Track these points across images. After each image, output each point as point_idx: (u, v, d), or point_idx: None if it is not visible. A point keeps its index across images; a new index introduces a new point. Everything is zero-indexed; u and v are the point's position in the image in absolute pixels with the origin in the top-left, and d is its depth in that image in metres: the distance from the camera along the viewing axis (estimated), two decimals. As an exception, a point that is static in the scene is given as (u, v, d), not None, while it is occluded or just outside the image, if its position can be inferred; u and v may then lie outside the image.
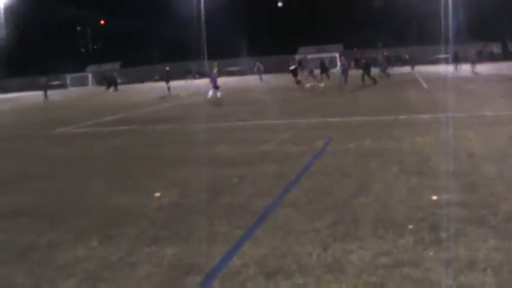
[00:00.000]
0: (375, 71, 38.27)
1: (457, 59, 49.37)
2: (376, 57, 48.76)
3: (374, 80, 32.71)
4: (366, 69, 34.13)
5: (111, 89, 59.97)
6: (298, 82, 37.27)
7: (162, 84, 43.57)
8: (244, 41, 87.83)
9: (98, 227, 6.70)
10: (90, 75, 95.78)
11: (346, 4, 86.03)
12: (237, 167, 9.71)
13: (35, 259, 5.71)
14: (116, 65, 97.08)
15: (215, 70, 29.61)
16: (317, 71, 40.40)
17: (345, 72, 35.47)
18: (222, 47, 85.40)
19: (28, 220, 7.33)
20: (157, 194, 8.00)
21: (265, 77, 53.53)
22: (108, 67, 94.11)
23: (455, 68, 47.21)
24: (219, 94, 27.83)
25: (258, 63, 56.00)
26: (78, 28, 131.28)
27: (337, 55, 78.67)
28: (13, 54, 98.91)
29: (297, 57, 73.16)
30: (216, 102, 25.78)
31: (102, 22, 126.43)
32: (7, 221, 7.39)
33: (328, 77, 39.18)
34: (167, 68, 45.45)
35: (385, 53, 51.80)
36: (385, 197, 7.00)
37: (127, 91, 54.30)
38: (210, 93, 28.32)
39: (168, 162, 11.09)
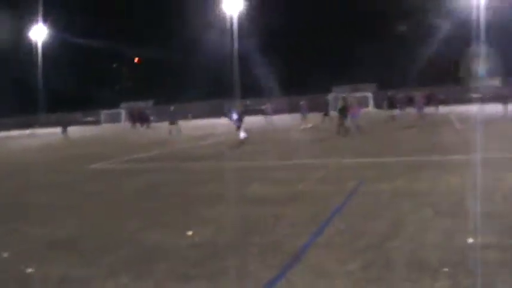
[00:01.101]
0: (412, 110, 38.01)
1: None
2: (412, 97, 47.86)
3: (345, 130, 27.43)
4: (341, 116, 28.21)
5: (144, 126, 60.57)
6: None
7: (194, 122, 43.40)
8: (278, 80, 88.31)
9: (130, 263, 6.76)
10: (123, 112, 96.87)
11: (382, 44, 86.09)
12: (270, 206, 9.70)
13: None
14: (149, 103, 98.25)
15: (237, 109, 29.11)
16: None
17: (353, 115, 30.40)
18: (257, 86, 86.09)
19: (62, 253, 7.44)
20: (190, 232, 8.03)
21: (287, 117, 53.01)
22: (141, 104, 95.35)
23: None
24: (242, 135, 26.87)
25: (267, 105, 54.08)
26: (114, 65, 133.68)
27: (370, 95, 78.95)
28: (50, 89, 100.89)
29: (330, 96, 73.27)
30: (243, 142, 25.66)
31: (136, 60, 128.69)
32: (42, 252, 7.52)
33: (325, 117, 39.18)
34: (171, 108, 43.91)
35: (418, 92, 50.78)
36: (419, 240, 6.92)
37: (159, 129, 54.80)
38: (240, 133, 27.29)
39: (201, 199, 11.11)
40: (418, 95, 42.08)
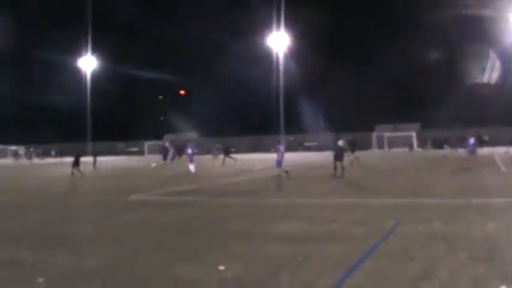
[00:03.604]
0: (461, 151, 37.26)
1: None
2: (464, 137, 46.83)
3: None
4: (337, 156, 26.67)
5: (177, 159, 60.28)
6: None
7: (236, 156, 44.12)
8: (323, 116, 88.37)
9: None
10: (167, 144, 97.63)
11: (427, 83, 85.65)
12: (302, 245, 9.67)
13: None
14: (193, 135, 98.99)
15: (193, 145, 37.15)
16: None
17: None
18: (300, 122, 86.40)
19: (95, 284, 7.54)
20: (221, 267, 8.06)
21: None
22: (185, 136, 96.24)
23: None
24: (192, 168, 33.28)
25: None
26: (160, 97, 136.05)
27: (414, 134, 78.50)
28: (96, 119, 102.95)
29: (375, 134, 72.90)
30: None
31: (182, 92, 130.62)
32: (78, 283, 7.65)
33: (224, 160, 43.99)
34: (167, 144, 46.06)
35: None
36: (449, 284, 6.83)
37: (198, 162, 55.23)
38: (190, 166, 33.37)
39: (234, 235, 11.15)
40: (471, 136, 40.80)
